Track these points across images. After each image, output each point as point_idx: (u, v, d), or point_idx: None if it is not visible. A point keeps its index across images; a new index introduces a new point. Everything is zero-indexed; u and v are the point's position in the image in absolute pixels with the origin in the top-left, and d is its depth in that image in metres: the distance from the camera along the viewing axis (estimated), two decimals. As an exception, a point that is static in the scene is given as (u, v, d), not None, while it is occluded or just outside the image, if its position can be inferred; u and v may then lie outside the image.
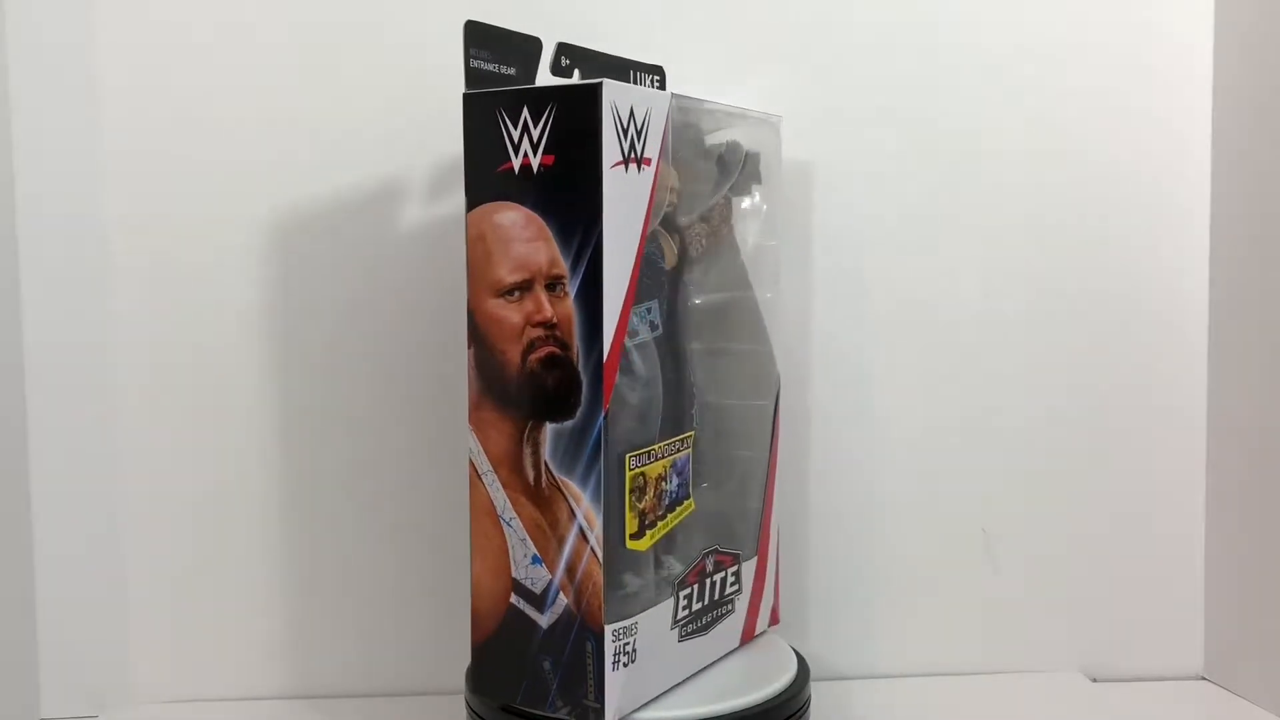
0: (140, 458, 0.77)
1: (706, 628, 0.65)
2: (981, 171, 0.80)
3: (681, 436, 0.63)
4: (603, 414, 0.56)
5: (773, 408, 0.72)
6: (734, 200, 0.70)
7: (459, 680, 0.65)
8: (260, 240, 0.77)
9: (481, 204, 0.59)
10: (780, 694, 0.65)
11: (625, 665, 0.58)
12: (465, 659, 0.63)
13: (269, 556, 0.78)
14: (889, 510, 0.82)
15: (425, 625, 0.78)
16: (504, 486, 0.59)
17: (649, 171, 0.58)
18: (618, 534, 0.58)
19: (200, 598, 0.78)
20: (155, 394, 0.77)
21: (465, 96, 0.59)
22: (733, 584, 0.68)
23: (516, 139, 0.57)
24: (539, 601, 0.59)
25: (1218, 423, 0.80)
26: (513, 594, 0.60)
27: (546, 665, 0.59)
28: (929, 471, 0.81)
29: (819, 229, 0.80)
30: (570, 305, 0.56)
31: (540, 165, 0.57)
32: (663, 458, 0.61)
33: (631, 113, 0.57)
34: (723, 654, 0.67)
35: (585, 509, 0.57)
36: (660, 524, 0.61)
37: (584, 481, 0.57)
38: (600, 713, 0.57)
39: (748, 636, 0.69)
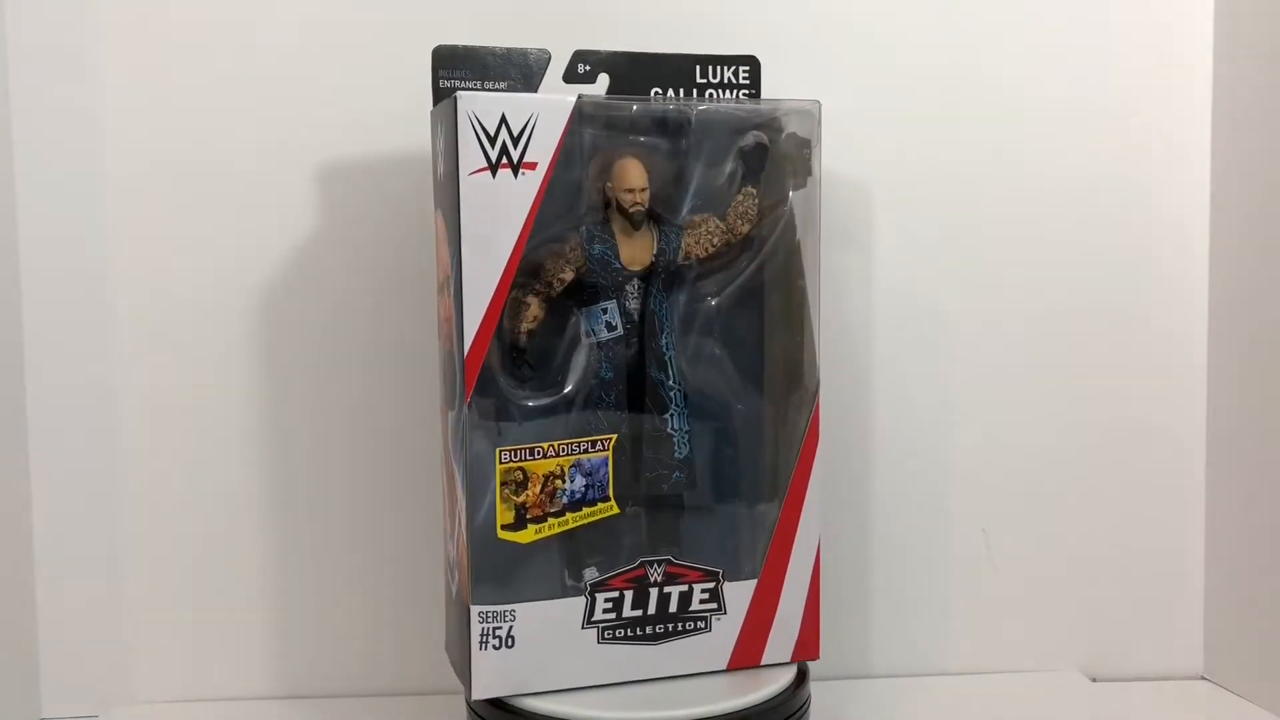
0: (140, 458, 0.77)
1: (653, 638, 0.63)
2: (993, 180, 0.81)
3: (593, 438, 0.62)
4: (464, 406, 0.60)
5: (806, 416, 0.66)
6: (755, 196, 0.65)
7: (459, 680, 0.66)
8: (262, 239, 0.77)
9: (436, 210, 0.65)
10: (780, 694, 0.63)
11: (497, 648, 0.61)
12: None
13: (269, 557, 0.78)
14: (888, 510, 0.81)
15: (428, 625, 0.76)
16: (444, 466, 0.65)
17: (533, 175, 0.59)
18: (489, 523, 0.61)
19: (201, 598, 0.78)
20: (154, 395, 0.77)
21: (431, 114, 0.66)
22: (705, 601, 0.64)
23: (436, 151, 0.63)
24: (452, 572, 0.64)
25: (1217, 422, 0.81)
26: (447, 562, 0.65)
27: (455, 633, 0.64)
28: (929, 472, 0.81)
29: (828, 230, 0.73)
30: (452, 303, 0.61)
31: (443, 174, 0.62)
32: (557, 456, 0.61)
33: (503, 120, 0.59)
34: (690, 672, 0.64)
35: (460, 494, 0.61)
36: (554, 520, 0.61)
37: (459, 467, 0.61)
38: (470, 685, 0.61)
39: (745, 662, 0.65)
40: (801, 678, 0.66)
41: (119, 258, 0.77)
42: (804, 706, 0.65)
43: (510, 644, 0.61)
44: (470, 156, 0.59)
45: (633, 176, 0.63)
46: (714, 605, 0.64)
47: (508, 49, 0.66)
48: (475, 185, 0.59)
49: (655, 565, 0.64)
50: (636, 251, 0.64)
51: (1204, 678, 0.82)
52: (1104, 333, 0.82)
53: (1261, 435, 0.77)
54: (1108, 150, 0.81)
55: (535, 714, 0.61)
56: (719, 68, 0.69)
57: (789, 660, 0.66)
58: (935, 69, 0.81)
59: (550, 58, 0.67)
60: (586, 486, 0.62)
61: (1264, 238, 0.77)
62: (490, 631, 0.61)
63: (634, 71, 0.68)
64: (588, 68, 0.68)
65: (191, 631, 0.78)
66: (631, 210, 0.64)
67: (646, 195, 0.64)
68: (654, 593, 0.64)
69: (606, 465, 0.63)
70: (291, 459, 0.78)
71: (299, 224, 0.77)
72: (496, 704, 0.62)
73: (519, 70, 0.66)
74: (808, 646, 0.66)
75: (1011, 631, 0.82)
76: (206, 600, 0.78)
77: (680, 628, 0.64)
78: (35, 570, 0.77)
